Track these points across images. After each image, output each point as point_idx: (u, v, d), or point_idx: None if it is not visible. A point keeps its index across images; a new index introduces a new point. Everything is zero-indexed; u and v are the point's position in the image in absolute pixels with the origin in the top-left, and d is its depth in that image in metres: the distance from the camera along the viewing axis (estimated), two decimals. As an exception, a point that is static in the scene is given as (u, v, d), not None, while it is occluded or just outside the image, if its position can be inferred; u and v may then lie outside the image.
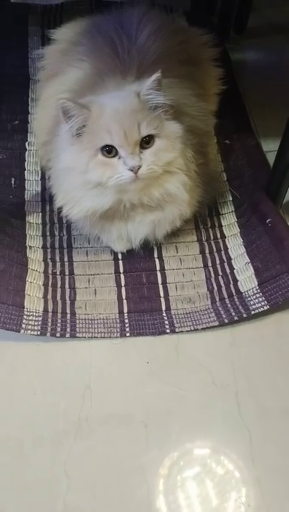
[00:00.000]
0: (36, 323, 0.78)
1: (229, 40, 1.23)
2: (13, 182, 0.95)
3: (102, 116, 0.70)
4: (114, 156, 0.70)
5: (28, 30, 1.19)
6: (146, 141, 0.71)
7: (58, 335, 0.78)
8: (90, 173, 0.71)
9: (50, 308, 0.80)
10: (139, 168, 0.70)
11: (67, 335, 0.78)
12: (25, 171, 0.97)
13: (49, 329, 0.78)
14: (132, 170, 0.70)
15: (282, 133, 0.84)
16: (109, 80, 0.79)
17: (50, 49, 0.96)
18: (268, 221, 0.86)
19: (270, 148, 1.03)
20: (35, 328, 0.78)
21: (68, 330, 0.79)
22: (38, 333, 0.77)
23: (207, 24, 1.17)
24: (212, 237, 0.91)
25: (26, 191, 0.95)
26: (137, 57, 0.81)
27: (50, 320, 0.79)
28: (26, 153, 1.00)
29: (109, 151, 0.70)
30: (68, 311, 0.81)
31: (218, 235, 0.91)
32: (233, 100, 1.07)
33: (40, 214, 0.92)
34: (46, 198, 0.93)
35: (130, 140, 0.69)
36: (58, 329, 0.78)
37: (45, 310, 0.80)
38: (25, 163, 0.98)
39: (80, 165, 0.72)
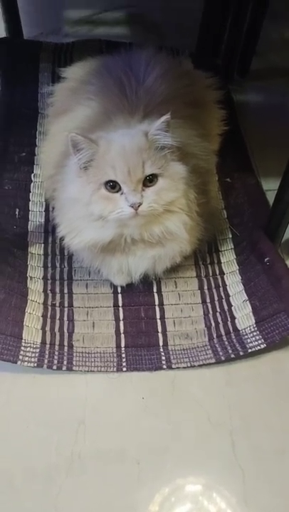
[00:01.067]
0: (33, 355, 0.78)
1: (233, 82, 1.27)
2: (17, 212, 0.97)
3: (109, 152, 0.72)
4: (117, 192, 0.72)
5: (40, 66, 1.23)
6: (149, 180, 0.73)
7: (54, 367, 0.78)
8: (93, 206, 0.73)
9: (48, 340, 0.81)
10: (139, 205, 0.72)
11: (64, 368, 0.78)
12: (30, 202, 0.99)
13: (46, 361, 0.78)
14: (132, 206, 0.72)
15: (283, 173, 0.87)
16: (117, 119, 0.81)
17: (59, 86, 0.99)
18: (266, 260, 0.87)
19: (270, 187, 1.05)
20: (32, 360, 0.78)
21: (65, 363, 0.79)
22: (35, 365, 0.77)
23: (212, 66, 1.22)
24: (211, 274, 0.92)
25: (30, 222, 0.96)
26: (144, 99, 0.84)
27: (47, 352, 0.79)
28: (32, 184, 1.02)
29: (112, 186, 0.72)
30: (66, 343, 0.81)
31: (217, 272, 0.92)
32: (235, 140, 1.10)
33: (43, 245, 0.93)
34: (49, 229, 0.95)
35: (133, 177, 0.71)
36: (55, 362, 0.78)
37: (43, 342, 0.80)
38: (30, 194, 1.00)
39: (84, 197, 0.74)
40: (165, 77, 0.88)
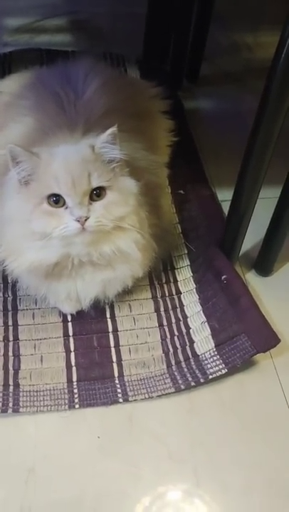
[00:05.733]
0: (-25, 399, 0.71)
1: (182, 88, 1.22)
2: None
3: (51, 164, 0.67)
4: (61, 206, 0.67)
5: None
6: (97, 194, 0.68)
7: (-1, 411, 0.71)
8: (34, 223, 0.67)
9: (-10, 381, 0.74)
10: (86, 220, 0.66)
11: (10, 410, 0.72)
12: None
13: (-11, 405, 0.71)
14: (78, 221, 0.66)
15: (236, 183, 0.82)
16: (56, 136, 0.75)
17: (-7, 101, 0.92)
18: (223, 278, 0.83)
19: (226, 197, 1.01)
20: (-26, 404, 0.71)
21: (11, 405, 0.72)
22: (-23, 409, 0.71)
23: (160, 72, 1.17)
24: (167, 294, 0.87)
25: None
26: (83, 113, 0.78)
27: (-10, 394, 0.72)
28: None
29: (56, 200, 0.67)
30: (11, 382, 0.74)
31: (174, 291, 0.87)
32: (187, 149, 1.05)
33: (-16, 274, 0.86)
34: (-10, 256, 0.88)
35: (78, 189, 0.66)
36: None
37: (-15, 383, 0.73)
38: None
39: (24, 214, 0.68)
40: (105, 88, 0.82)
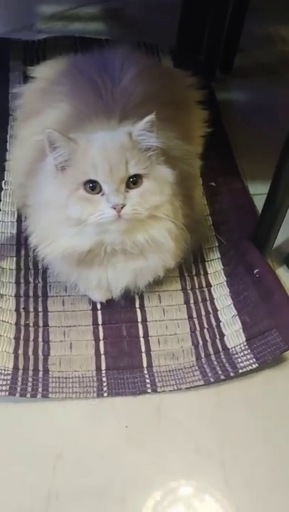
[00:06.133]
0: (5, 382, 0.71)
1: (216, 79, 1.21)
2: (-14, 224, 0.90)
3: (89, 150, 0.66)
4: (97, 193, 0.66)
5: (10, 64, 1.16)
6: (133, 182, 0.67)
7: (28, 395, 0.71)
8: (70, 209, 0.67)
9: (20, 365, 0.74)
10: (122, 207, 0.66)
11: (39, 395, 0.72)
12: (0, 212, 0.92)
13: (19, 389, 0.71)
14: (114, 208, 0.65)
15: (272, 177, 0.81)
16: (92, 123, 0.75)
17: (28, 87, 0.92)
18: (255, 272, 0.82)
19: (258, 191, 0.99)
20: (4, 388, 0.71)
21: (40, 390, 0.72)
22: (7, 393, 0.71)
23: (193, 63, 1.16)
24: (197, 286, 0.86)
25: (0, 234, 0.89)
26: (120, 100, 0.78)
27: (20, 378, 0.72)
28: (2, 192, 0.95)
29: (93, 187, 0.66)
30: (41, 368, 0.74)
31: (204, 284, 0.86)
32: (219, 141, 1.04)
33: (15, 259, 0.86)
34: (22, 241, 0.88)
35: (116, 176, 0.65)
36: (29, 389, 0.72)
37: (16, 367, 0.74)
38: (1, 203, 0.93)
39: (60, 199, 0.67)
40: (142, 77, 0.82)
